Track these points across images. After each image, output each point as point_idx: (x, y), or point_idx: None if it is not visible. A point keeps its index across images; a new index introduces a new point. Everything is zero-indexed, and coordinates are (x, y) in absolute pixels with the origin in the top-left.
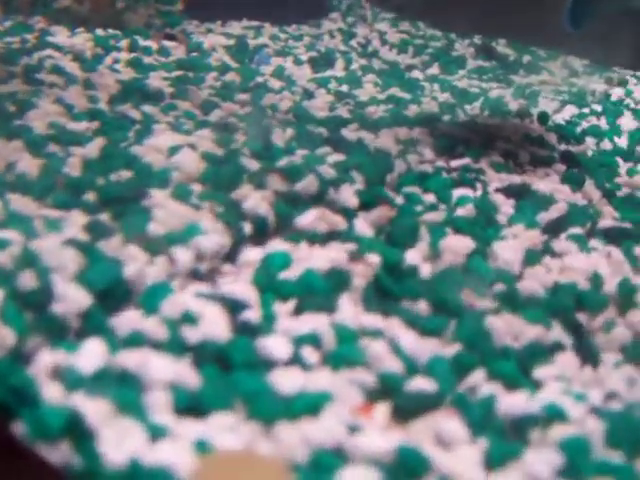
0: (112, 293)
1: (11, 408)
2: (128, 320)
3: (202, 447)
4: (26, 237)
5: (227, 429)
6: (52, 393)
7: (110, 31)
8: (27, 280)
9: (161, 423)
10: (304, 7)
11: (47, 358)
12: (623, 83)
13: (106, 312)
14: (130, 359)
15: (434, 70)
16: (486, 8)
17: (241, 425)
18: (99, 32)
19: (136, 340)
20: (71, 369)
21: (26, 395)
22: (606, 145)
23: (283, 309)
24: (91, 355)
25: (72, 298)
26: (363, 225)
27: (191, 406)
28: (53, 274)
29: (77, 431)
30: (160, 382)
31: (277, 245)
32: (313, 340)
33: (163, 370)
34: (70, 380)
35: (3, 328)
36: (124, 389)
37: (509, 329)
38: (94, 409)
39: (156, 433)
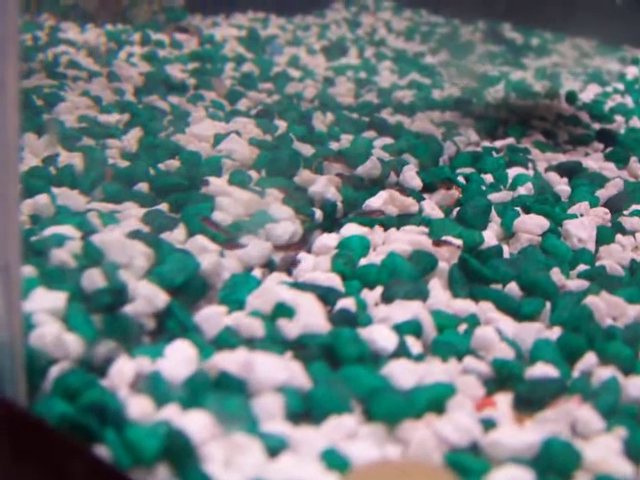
0: (189, 288)
1: (90, 430)
2: (215, 316)
3: (331, 457)
4: (84, 232)
5: (351, 435)
6: (140, 408)
7: (119, 26)
8: (92, 279)
9: (277, 433)
10: None
11: (127, 366)
12: (636, 61)
13: (186, 309)
14: (229, 360)
15: (444, 56)
16: None
17: (364, 428)
18: (109, 27)
19: (228, 339)
20: (158, 377)
21: (108, 413)
22: (636, 122)
23: (372, 297)
24: (180, 359)
25: (146, 296)
26: (431, 206)
27: (305, 409)
28: (122, 271)
29: (178, 452)
30: (269, 385)
31: (351, 229)
32: (414, 328)
33: (271, 371)
34: (159, 391)
35: (69, 335)
36: (228, 399)
37: (610, 309)
38: (195, 423)
39: (275, 445)
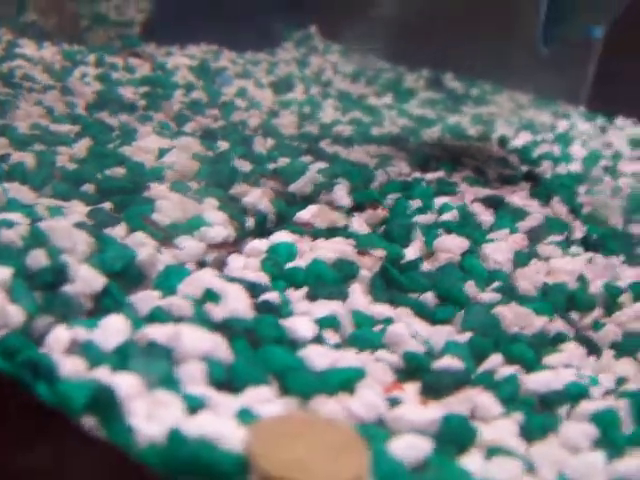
0: (126, 275)
1: (25, 384)
2: (148, 298)
3: (245, 416)
4: (31, 220)
5: (266, 401)
6: (72, 367)
7: (76, 47)
8: (37, 259)
9: (199, 394)
10: (258, 36)
11: (63, 334)
12: (567, 116)
13: (122, 292)
14: (159, 332)
15: (387, 99)
16: (435, 44)
17: (278, 399)
18: (65, 47)
19: (159, 316)
20: (91, 344)
21: (41, 369)
22: (562, 169)
23: (296, 295)
24: (113, 330)
25: (85, 278)
26: (360, 223)
27: (226, 380)
28: (65, 254)
29: (105, 405)
30: (194, 354)
31: (281, 237)
32: (332, 323)
33: (197, 342)
34: (91, 355)
35: (11, 306)
36: (155, 363)
37: (517, 319)
38: (122, 382)
39: (195, 404)
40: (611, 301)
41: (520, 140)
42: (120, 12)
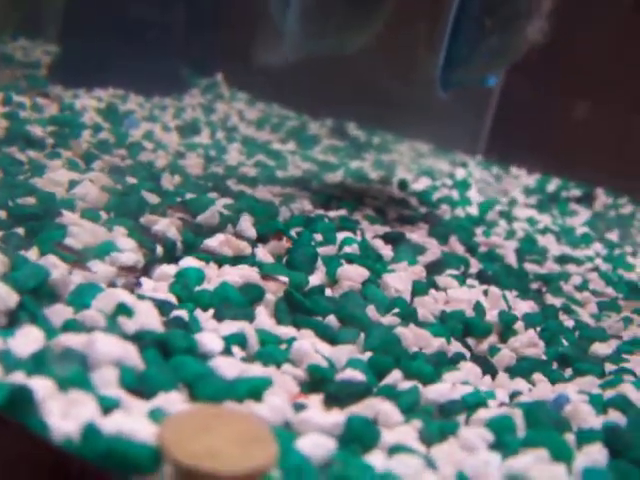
0: (39, 293)
1: None
2: (62, 311)
3: (157, 414)
4: None
5: (177, 403)
6: None
7: None
8: None
9: (112, 396)
10: (165, 81)
11: None
12: (465, 165)
13: (37, 306)
14: (74, 339)
15: (291, 146)
16: (338, 94)
17: (188, 405)
18: None
19: (73, 327)
20: (7, 352)
21: None
22: (459, 212)
23: (204, 316)
24: (28, 339)
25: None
26: (264, 253)
27: (138, 386)
28: None
29: (21, 406)
30: (107, 360)
31: (189, 262)
32: (239, 340)
33: (110, 348)
34: (7, 362)
35: None
36: (70, 367)
37: (417, 340)
38: (38, 384)
39: (109, 405)
40: (506, 328)
41: (420, 184)
42: (26, 53)
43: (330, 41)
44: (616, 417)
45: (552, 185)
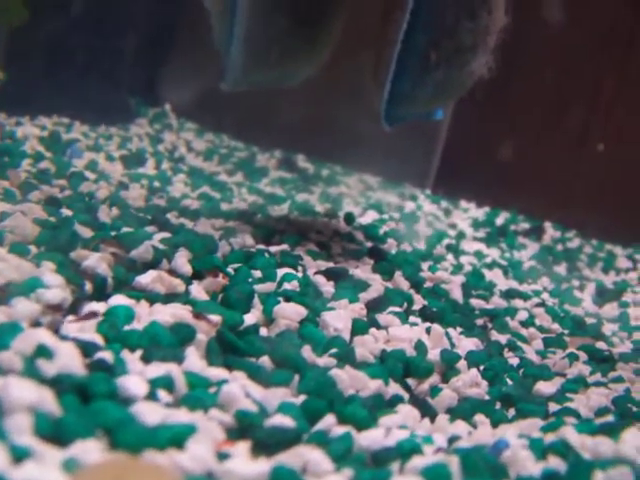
0: None
1: None
2: None
3: (70, 464)
4: None
5: (93, 454)
6: None
7: None
8: None
9: (25, 444)
10: (111, 110)
11: None
12: (414, 198)
13: None
14: None
15: (238, 178)
16: (287, 126)
17: (107, 453)
18: None
19: None
20: None
21: None
22: (406, 247)
23: (131, 357)
24: None
25: None
26: (199, 290)
27: (53, 434)
28: None
29: None
30: (22, 406)
31: (119, 300)
32: (166, 383)
33: (24, 394)
34: None
35: None
36: None
37: (353, 382)
38: None
39: (20, 454)
40: (448, 368)
41: (367, 218)
42: None
43: (272, 74)
44: (556, 463)
45: (501, 218)
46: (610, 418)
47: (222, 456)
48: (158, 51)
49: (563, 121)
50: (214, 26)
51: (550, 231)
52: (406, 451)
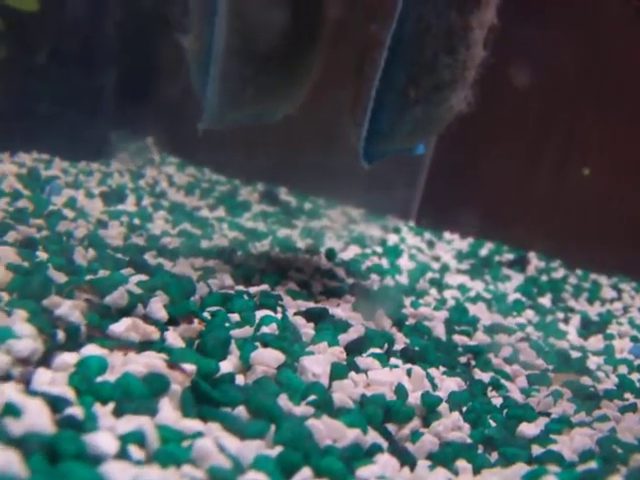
0: None
1: None
2: None
3: None
4: None
5: None
6: None
7: None
8: None
9: None
10: (92, 146)
11: None
12: (397, 230)
13: None
14: None
15: (220, 212)
16: (269, 159)
17: None
18: None
19: None
20: None
21: None
22: (389, 281)
23: (103, 410)
24: None
25: None
26: (174, 337)
27: None
28: None
29: None
30: None
31: (91, 350)
32: (138, 438)
33: None
34: None
35: None
36: None
37: (330, 432)
38: None
39: None
40: (429, 411)
41: (349, 253)
42: None
43: (249, 112)
44: None
45: (485, 249)
46: (593, 464)
47: None
48: (140, 85)
49: (544, 150)
50: (191, 65)
51: (535, 261)
52: None
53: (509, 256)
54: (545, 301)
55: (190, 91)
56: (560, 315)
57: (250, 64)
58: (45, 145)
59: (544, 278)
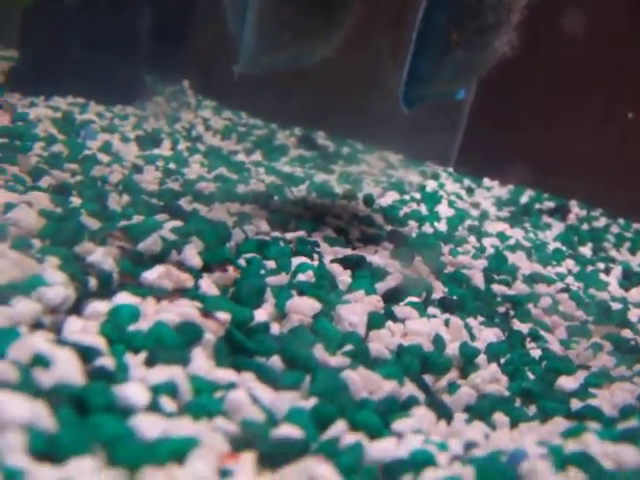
0: None
1: None
2: None
3: None
4: None
5: (89, 473)
6: None
7: None
8: None
9: (17, 466)
10: (127, 89)
11: None
12: (436, 176)
13: None
14: None
15: (257, 157)
16: (308, 103)
17: (103, 470)
18: None
19: None
20: None
21: None
22: (427, 229)
23: (135, 360)
24: None
25: None
26: (208, 284)
27: (48, 450)
28: None
29: None
30: (14, 423)
31: (124, 298)
32: (170, 389)
33: (18, 410)
34: None
35: None
36: None
37: (366, 384)
38: None
39: (12, 477)
40: (467, 362)
41: (388, 199)
42: None
43: (286, 55)
44: (576, 477)
45: (525, 197)
46: (634, 421)
47: (224, 473)
48: (175, 28)
49: (589, 96)
50: (227, 8)
51: (575, 210)
52: (419, 463)
53: (549, 204)
54: (586, 251)
55: (226, 33)
56: (601, 265)
57: (287, 7)
58: (80, 89)
59: (585, 227)
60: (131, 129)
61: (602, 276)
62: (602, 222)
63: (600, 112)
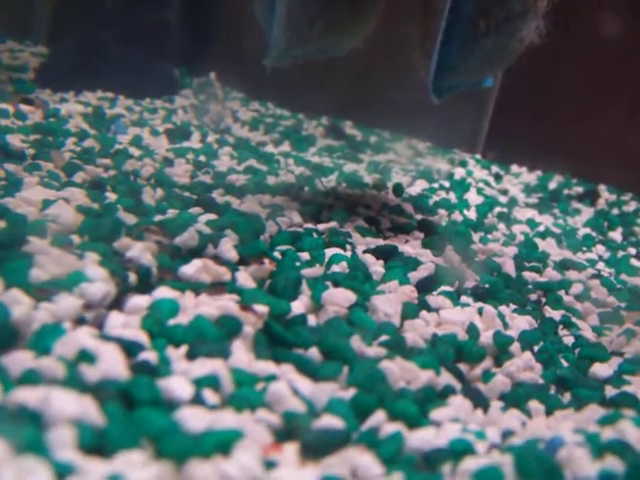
0: None
1: None
2: (20, 359)
3: None
4: None
5: (138, 466)
6: None
7: None
8: None
9: (67, 461)
10: (157, 83)
11: None
12: (464, 164)
13: None
14: (29, 395)
15: (285, 147)
16: (335, 92)
17: (152, 463)
18: None
19: (31, 378)
20: None
21: None
22: (457, 217)
23: (176, 354)
24: None
25: None
26: (245, 277)
27: (97, 445)
28: None
29: None
30: (64, 418)
31: (163, 293)
32: (212, 382)
33: (66, 406)
34: None
35: None
36: (23, 428)
37: (403, 374)
38: None
39: (63, 471)
40: (501, 351)
41: (417, 188)
42: (14, 56)
43: (315, 47)
44: (613, 464)
45: (553, 183)
46: None
47: (269, 464)
48: (203, 20)
49: (617, 81)
50: (256, 2)
51: (605, 194)
52: (458, 451)
53: (578, 189)
54: (616, 236)
55: (253, 25)
56: (632, 250)
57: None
58: (109, 83)
59: (615, 212)
60: (160, 122)
61: (633, 261)
62: (632, 206)
63: (630, 97)
